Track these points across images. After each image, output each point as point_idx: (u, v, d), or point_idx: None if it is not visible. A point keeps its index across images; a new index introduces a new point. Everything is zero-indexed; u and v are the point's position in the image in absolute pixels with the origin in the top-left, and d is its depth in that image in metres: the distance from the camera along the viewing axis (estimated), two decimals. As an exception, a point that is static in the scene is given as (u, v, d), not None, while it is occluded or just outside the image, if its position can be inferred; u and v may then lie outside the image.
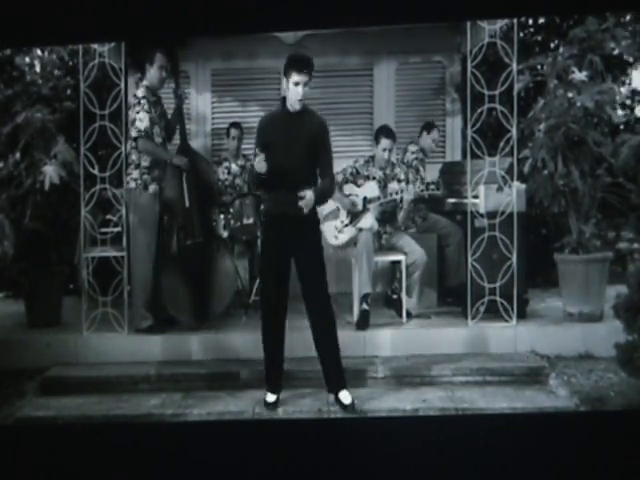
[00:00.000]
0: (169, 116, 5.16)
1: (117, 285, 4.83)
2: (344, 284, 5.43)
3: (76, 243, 5.21)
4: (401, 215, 5.22)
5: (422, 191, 5.07)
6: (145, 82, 5.00)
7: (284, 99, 4.01)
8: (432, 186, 5.02)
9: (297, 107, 3.94)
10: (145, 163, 4.92)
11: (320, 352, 4.06)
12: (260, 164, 3.85)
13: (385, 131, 5.25)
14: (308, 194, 3.89)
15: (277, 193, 3.98)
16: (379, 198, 5.13)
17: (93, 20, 3.59)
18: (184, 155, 5.04)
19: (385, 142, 5.18)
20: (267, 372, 4.12)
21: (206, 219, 5.16)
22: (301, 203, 3.89)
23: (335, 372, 4.06)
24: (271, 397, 4.10)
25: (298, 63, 3.90)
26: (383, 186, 5.21)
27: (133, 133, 4.87)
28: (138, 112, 4.86)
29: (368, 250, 5.03)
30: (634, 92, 5.58)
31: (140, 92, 4.94)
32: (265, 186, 4.05)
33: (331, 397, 4.10)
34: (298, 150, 3.93)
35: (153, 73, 4.97)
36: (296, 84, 3.89)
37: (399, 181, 5.24)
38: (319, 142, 3.99)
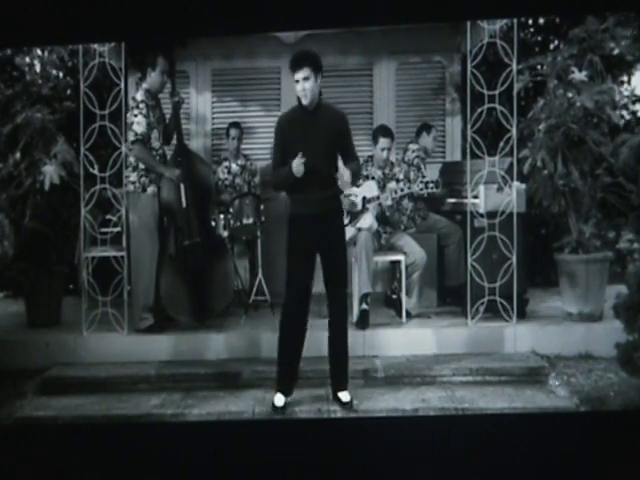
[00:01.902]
0: (167, 118, 5.16)
1: (117, 285, 4.83)
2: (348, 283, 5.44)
3: (76, 243, 5.22)
4: (396, 215, 5.23)
5: (421, 190, 5.06)
6: (145, 85, 5.00)
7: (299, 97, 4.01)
8: (431, 184, 5.01)
9: (304, 103, 3.92)
10: (143, 165, 4.92)
11: (332, 352, 4.06)
12: (299, 167, 3.85)
13: (383, 130, 5.25)
14: (346, 172, 3.97)
15: (303, 194, 3.95)
16: (378, 198, 5.13)
17: (93, 20, 3.59)
18: (181, 157, 5.05)
19: (383, 141, 5.19)
20: (281, 373, 4.06)
21: (204, 219, 5.16)
22: (340, 182, 3.96)
23: (341, 373, 4.07)
24: (280, 400, 4.02)
25: (293, 61, 3.92)
26: (382, 186, 5.21)
27: (130, 137, 4.87)
28: (136, 116, 4.87)
29: (367, 250, 5.04)
30: (634, 94, 5.57)
31: (139, 95, 4.94)
32: (290, 187, 4.02)
33: (331, 396, 4.10)
34: (321, 149, 3.92)
35: (155, 77, 4.97)
36: (297, 82, 3.90)
37: (398, 181, 5.25)
38: (341, 134, 4.02)
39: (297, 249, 4.00)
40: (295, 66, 3.89)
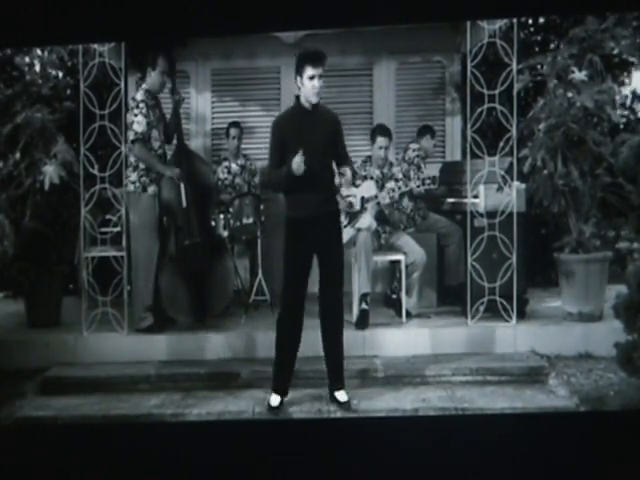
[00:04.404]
0: (168, 118, 5.16)
1: (117, 285, 4.83)
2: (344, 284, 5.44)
3: (76, 243, 5.22)
4: (396, 214, 5.23)
5: (418, 187, 5.06)
6: (145, 85, 5.01)
7: (298, 97, 3.98)
8: (428, 181, 5.01)
9: (314, 101, 3.91)
10: (143, 165, 4.93)
11: (327, 350, 4.06)
12: (299, 165, 3.78)
13: (380, 129, 5.25)
14: (348, 170, 3.94)
15: (301, 195, 3.92)
16: (376, 197, 5.12)
17: (93, 20, 3.59)
18: (181, 156, 5.06)
19: (381, 140, 5.18)
20: (276, 373, 4.08)
21: (204, 219, 5.16)
22: (342, 180, 3.91)
23: (336, 372, 4.06)
24: (275, 400, 4.04)
25: (312, 57, 3.88)
26: (381, 185, 5.21)
27: (131, 136, 4.88)
28: (136, 115, 4.87)
29: (367, 250, 5.03)
30: (634, 94, 5.57)
31: (139, 95, 4.94)
32: (288, 189, 3.98)
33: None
34: (319, 149, 3.88)
35: (154, 77, 4.98)
36: (311, 78, 3.85)
37: (396, 180, 5.24)
38: (337, 135, 4.02)
39: (294, 254, 3.99)
40: (317, 61, 3.85)
